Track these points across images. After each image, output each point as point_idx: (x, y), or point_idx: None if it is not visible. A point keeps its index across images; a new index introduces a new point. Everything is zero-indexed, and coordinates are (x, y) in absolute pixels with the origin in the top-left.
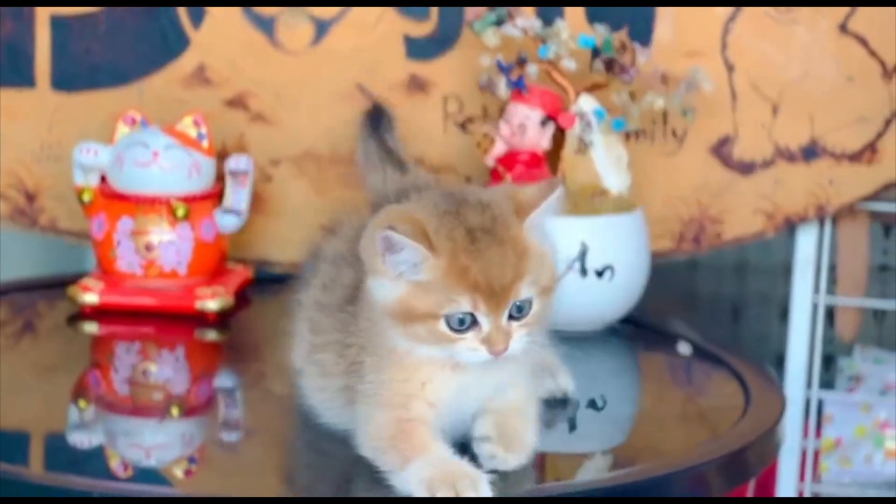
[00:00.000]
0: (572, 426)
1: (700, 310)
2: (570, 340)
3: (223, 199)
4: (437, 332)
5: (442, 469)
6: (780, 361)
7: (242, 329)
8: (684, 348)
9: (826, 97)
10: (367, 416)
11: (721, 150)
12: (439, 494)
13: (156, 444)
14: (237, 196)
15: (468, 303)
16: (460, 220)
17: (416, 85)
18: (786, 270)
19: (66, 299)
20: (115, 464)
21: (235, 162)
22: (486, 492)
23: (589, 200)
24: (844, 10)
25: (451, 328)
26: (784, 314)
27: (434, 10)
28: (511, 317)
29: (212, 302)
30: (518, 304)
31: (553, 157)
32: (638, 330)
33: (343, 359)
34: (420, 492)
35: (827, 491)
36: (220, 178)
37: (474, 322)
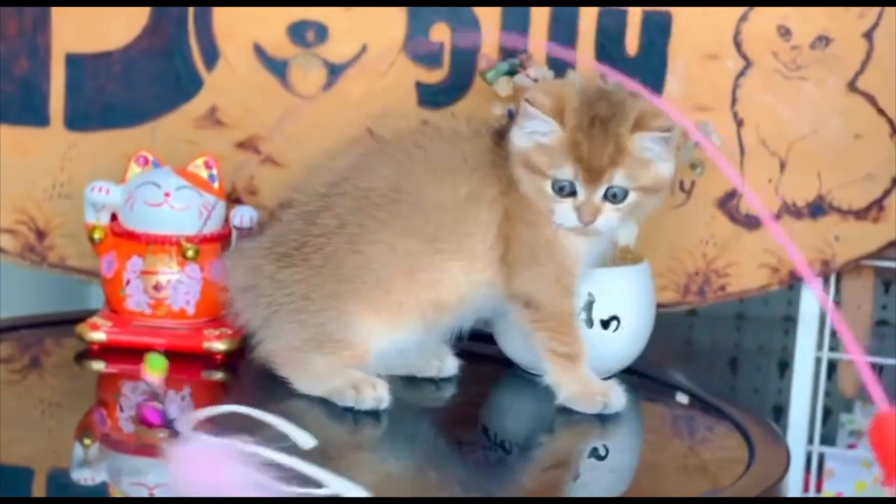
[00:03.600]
0: (575, 475)
1: (697, 360)
2: None
3: (230, 246)
4: (543, 190)
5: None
6: (777, 413)
7: (249, 371)
8: (682, 398)
9: (833, 154)
10: None
11: (728, 203)
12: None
13: (159, 483)
14: None
15: (570, 171)
16: (591, 107)
17: None
18: (784, 322)
19: (74, 337)
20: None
21: (239, 219)
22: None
23: None
24: (853, 68)
25: (555, 191)
26: (782, 366)
27: (447, 58)
28: (607, 198)
29: (219, 343)
30: (613, 189)
31: None
32: (639, 380)
33: None
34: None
35: None
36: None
37: (573, 192)
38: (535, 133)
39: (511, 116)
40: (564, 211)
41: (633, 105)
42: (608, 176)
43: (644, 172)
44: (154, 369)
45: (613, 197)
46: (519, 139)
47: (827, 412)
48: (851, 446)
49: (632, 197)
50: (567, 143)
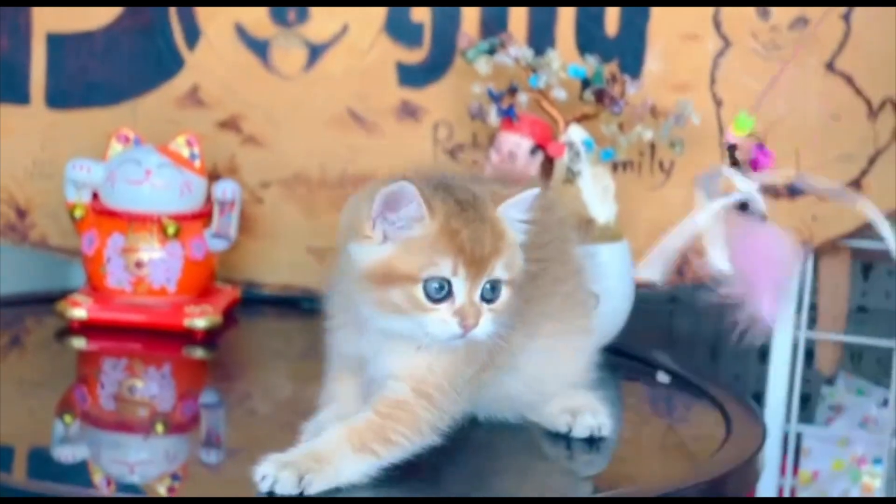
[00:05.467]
0: (553, 450)
1: (678, 347)
2: None
3: (212, 222)
4: (413, 297)
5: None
6: (757, 400)
7: (229, 348)
8: (663, 377)
9: (811, 134)
10: None
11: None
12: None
13: (140, 460)
14: (225, 222)
15: (449, 267)
16: (449, 193)
17: (408, 111)
18: None
19: (55, 314)
20: (98, 479)
21: (222, 192)
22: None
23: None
24: (831, 48)
25: (428, 296)
26: (762, 354)
27: (427, 38)
28: (482, 298)
29: (200, 320)
30: (491, 283)
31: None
32: (619, 359)
33: None
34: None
35: None
36: (210, 197)
37: (449, 294)
38: (403, 228)
39: (491, 96)
40: (441, 319)
41: (474, 187)
42: (490, 267)
43: (514, 259)
44: (740, 129)
45: (490, 292)
46: (365, 254)
47: (805, 397)
48: (830, 420)
49: (504, 294)
50: (443, 233)
